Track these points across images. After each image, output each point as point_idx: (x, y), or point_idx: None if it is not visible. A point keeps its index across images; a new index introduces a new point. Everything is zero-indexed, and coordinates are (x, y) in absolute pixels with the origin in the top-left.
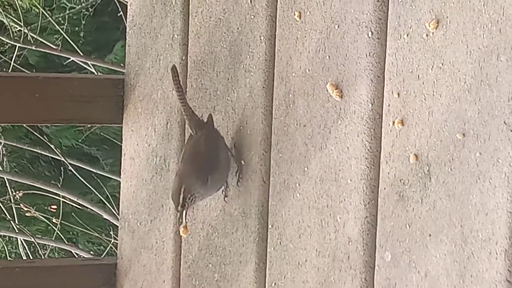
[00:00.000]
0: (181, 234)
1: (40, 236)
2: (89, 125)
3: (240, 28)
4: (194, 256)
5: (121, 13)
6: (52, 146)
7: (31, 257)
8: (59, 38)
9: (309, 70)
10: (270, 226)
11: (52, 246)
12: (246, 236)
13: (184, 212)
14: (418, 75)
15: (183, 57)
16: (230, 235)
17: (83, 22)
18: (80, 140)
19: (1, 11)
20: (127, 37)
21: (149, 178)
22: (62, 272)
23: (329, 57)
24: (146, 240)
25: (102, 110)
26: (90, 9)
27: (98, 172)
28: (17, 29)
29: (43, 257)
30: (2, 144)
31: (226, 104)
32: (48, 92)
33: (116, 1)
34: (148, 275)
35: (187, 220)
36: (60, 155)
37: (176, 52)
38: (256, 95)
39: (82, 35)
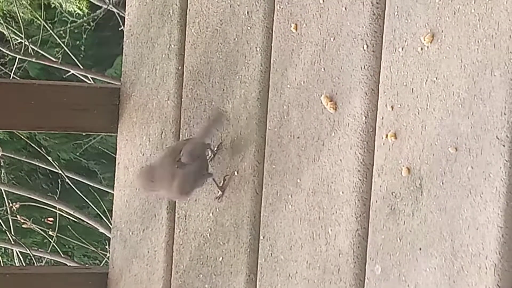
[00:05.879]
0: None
1: (36, 248)
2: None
3: (236, 39)
4: (185, 266)
5: (122, 28)
6: (50, 158)
7: None
8: (60, 51)
9: (304, 82)
10: (261, 238)
11: (47, 258)
12: (238, 247)
13: None
14: (412, 89)
15: (179, 67)
16: (221, 246)
17: (84, 36)
18: (78, 154)
19: (2, 22)
20: (124, 47)
21: None
22: (54, 279)
23: (324, 69)
24: (138, 250)
25: (97, 118)
26: (91, 23)
27: (96, 186)
28: (18, 41)
29: None
30: (0, 156)
31: None
32: (43, 100)
33: (118, 16)
34: (139, 285)
35: None
36: (58, 168)
37: (172, 62)
38: (250, 106)
39: (83, 49)
